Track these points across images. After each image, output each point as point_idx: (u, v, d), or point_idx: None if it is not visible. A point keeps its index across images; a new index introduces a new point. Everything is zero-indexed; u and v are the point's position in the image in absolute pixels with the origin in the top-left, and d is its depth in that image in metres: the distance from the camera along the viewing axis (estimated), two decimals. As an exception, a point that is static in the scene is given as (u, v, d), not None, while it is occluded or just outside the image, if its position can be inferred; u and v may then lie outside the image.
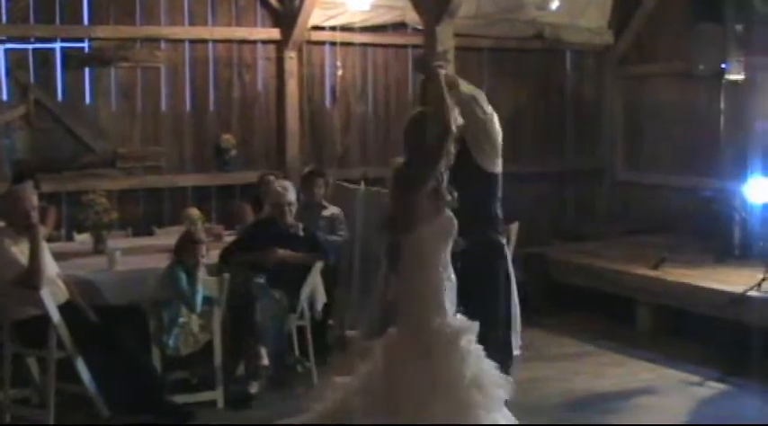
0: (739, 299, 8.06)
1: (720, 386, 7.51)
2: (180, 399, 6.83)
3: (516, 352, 8.47)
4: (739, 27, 9.76)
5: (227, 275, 7.20)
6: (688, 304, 8.68)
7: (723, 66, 9.80)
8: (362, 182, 9.79)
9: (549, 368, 8.17)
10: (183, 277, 7.01)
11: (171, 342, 6.94)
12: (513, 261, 8.89)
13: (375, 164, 10.82)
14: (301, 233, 7.92)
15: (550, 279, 10.18)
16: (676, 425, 6.78)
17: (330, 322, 8.62)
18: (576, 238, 11.19)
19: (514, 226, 9.16)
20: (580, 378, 7.86)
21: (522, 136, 11.75)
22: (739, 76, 9.82)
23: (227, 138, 10.22)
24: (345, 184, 9.90)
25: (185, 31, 10.13)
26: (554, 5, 10.38)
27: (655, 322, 9.13)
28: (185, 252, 7.12)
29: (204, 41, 10.25)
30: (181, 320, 6.99)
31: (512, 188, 10.97)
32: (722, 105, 9.99)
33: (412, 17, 9.94)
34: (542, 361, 8.33)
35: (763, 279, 8.15)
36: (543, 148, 12.00)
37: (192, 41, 10.20)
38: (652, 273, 9.17)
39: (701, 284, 8.65)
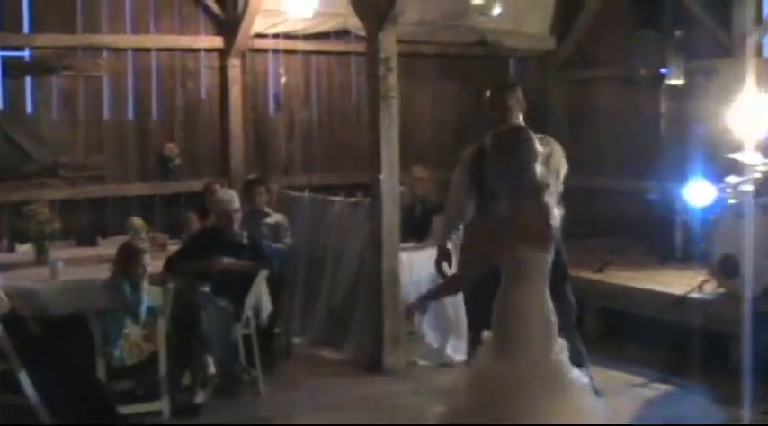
0: (681, 301, 8.16)
1: (664, 387, 7.58)
2: (125, 410, 6.74)
3: (461, 358, 8.54)
4: (678, 33, 9.88)
5: (171, 284, 7.15)
6: (632, 306, 8.77)
7: (663, 71, 9.91)
8: (307, 190, 9.81)
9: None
10: (127, 287, 6.96)
11: (116, 353, 6.89)
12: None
13: (320, 170, 10.83)
14: (246, 241, 7.89)
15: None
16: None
17: (276, 330, 8.59)
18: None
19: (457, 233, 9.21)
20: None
21: (467, 141, 11.74)
22: (679, 81, 9.95)
23: (171, 147, 10.18)
24: (290, 192, 9.91)
25: (128, 40, 10.08)
26: (496, 12, 10.42)
27: (600, 324, 9.19)
28: (128, 262, 7.07)
29: (147, 50, 10.20)
30: (125, 330, 6.94)
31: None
32: (662, 109, 10.10)
33: (355, 24, 9.92)
34: (489, 365, 8.34)
35: (705, 281, 8.26)
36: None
37: (135, 50, 10.14)
38: (597, 276, 9.25)
39: (645, 286, 8.76)
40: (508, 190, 4.75)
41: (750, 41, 10.12)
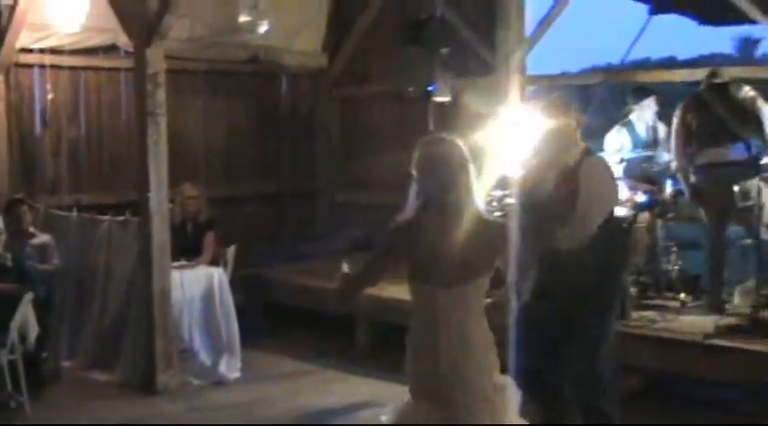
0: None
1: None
2: None
3: (237, 375, 8.53)
4: (444, 51, 10.12)
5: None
6: (404, 318, 8.88)
7: (430, 88, 10.13)
8: (75, 209, 9.57)
9: (271, 388, 8.21)
10: None
11: None
12: (232, 283, 8.96)
13: (88, 189, 10.55)
14: (9, 263, 7.67)
15: (270, 300, 10.24)
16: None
17: (44, 354, 8.33)
18: (294, 259, 11.29)
19: (231, 249, 9.21)
20: (302, 396, 7.95)
21: (239, 158, 11.78)
22: (446, 98, 10.19)
23: (-70, 166, 9.73)
24: (57, 211, 9.65)
25: None
26: (263, 29, 10.41)
27: (373, 337, 9.35)
28: None
29: None
30: None
31: (228, 210, 11.09)
32: (431, 126, 10.32)
33: (123, 40, 9.76)
34: (264, 382, 8.37)
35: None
36: (260, 171, 12.03)
37: None
38: (369, 290, 9.32)
39: (414, 298, 8.92)
40: None
41: (514, 60, 10.50)
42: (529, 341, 5.48)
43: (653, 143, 9.08)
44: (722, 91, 8.18)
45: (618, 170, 8.88)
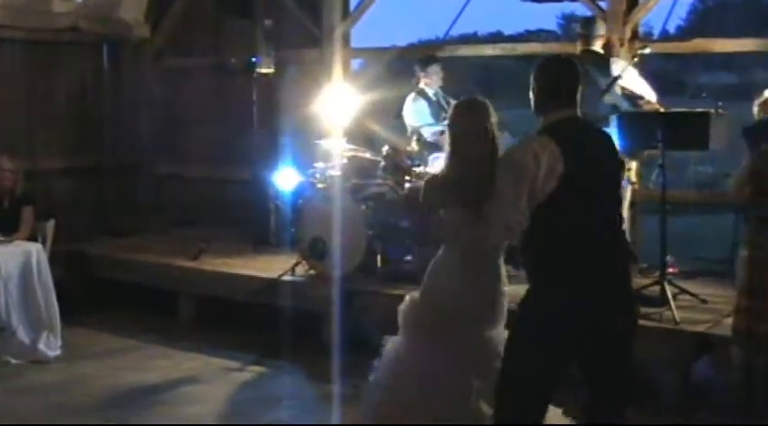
0: (274, 284, 8.42)
1: (259, 369, 7.79)
2: None
3: (57, 353, 8.34)
4: (268, 22, 10.13)
5: None
6: (227, 292, 8.93)
7: (254, 59, 10.12)
8: None
9: (92, 366, 8.07)
10: None
11: None
12: (52, 258, 8.76)
13: None
14: None
15: (94, 276, 10.07)
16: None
17: None
18: (117, 233, 11.13)
19: (50, 224, 9.00)
20: (125, 374, 7.84)
21: (59, 130, 11.50)
22: (269, 70, 10.20)
23: None
24: None
25: None
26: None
27: (197, 312, 9.31)
28: None
29: None
30: None
31: (48, 184, 10.82)
32: (254, 97, 10.31)
33: (-66, 7, 9.44)
34: (86, 360, 8.22)
35: (297, 264, 8.56)
36: (80, 143, 11.75)
37: None
38: (192, 264, 9.33)
39: (239, 272, 8.97)
40: None
41: (338, 33, 10.57)
42: None
43: (444, 111, 8.36)
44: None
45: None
